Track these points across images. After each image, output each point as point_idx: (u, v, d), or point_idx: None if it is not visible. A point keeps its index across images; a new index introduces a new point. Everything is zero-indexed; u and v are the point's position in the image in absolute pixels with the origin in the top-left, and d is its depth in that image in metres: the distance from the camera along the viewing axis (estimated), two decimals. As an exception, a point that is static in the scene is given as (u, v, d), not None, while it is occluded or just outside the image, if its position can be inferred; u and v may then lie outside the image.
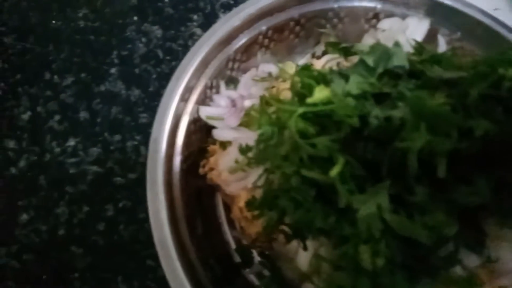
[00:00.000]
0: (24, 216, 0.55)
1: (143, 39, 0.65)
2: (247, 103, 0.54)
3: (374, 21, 0.62)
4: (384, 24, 0.60)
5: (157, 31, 0.66)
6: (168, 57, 0.64)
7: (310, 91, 0.38)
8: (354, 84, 0.37)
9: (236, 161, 0.43)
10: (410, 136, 0.30)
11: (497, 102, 0.32)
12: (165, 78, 0.62)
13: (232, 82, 0.59)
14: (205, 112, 0.53)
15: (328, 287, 0.37)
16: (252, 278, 0.51)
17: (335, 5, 0.60)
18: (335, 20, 0.62)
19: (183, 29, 0.66)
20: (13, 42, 0.65)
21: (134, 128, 0.59)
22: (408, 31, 0.57)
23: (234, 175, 0.44)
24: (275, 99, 0.53)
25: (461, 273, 0.38)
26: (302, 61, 0.65)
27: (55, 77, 0.63)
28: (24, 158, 0.58)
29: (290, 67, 0.59)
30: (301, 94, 0.39)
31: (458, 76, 0.34)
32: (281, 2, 0.58)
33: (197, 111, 0.53)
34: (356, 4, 0.60)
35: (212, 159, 0.50)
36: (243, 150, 0.42)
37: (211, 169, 0.50)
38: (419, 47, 0.52)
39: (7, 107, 0.61)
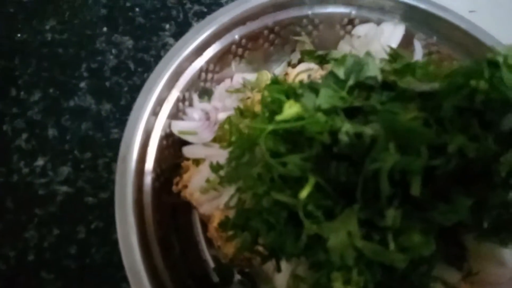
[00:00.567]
0: (-10, 242, 0.53)
1: (114, 51, 0.63)
2: (222, 115, 0.52)
3: (349, 27, 0.61)
4: (359, 30, 0.59)
5: (128, 42, 0.63)
6: (140, 69, 0.62)
7: (280, 106, 0.36)
8: (324, 98, 0.35)
9: (208, 180, 0.41)
10: (381, 156, 0.28)
11: (473, 115, 0.31)
12: (137, 91, 0.58)
13: (206, 94, 0.57)
14: (178, 126, 0.51)
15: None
16: (232, 298, 0.50)
17: (309, 12, 0.59)
18: (310, 27, 0.61)
19: (155, 39, 0.64)
20: (-24, 57, 0.63)
21: (105, 144, 0.57)
22: (383, 37, 0.56)
23: (206, 195, 0.42)
24: (250, 111, 0.52)
25: (442, 288, 0.37)
26: (278, 69, 0.64)
27: (22, 93, 0.61)
28: (-10, 179, 0.56)
29: (266, 76, 0.57)
30: (271, 110, 0.37)
31: (431, 88, 0.33)
32: (254, 10, 0.56)
33: (169, 125, 0.51)
34: (330, 10, 0.59)
35: (185, 176, 0.48)
36: (214, 168, 0.41)
37: (185, 186, 0.48)
38: (394, 54, 0.52)
39: (-29, 126, 0.59)
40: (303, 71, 0.42)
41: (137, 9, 0.66)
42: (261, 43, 0.60)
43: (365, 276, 0.29)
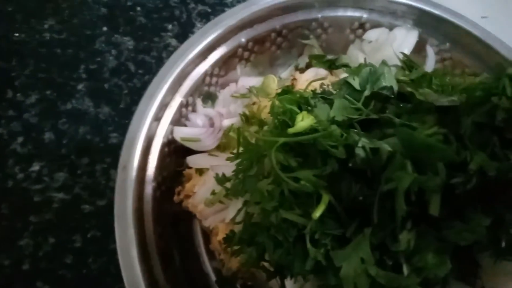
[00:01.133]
0: (-16, 250, 0.51)
1: (114, 51, 0.60)
2: (226, 122, 0.50)
3: (360, 31, 0.59)
4: (371, 35, 0.57)
5: (129, 43, 0.61)
6: (140, 71, 0.59)
7: (291, 118, 0.34)
8: (339, 110, 0.34)
9: (213, 192, 0.39)
10: (397, 175, 0.26)
11: (493, 132, 0.29)
12: (137, 94, 0.57)
13: (210, 98, 0.55)
14: (180, 133, 0.49)
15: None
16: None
17: (319, 15, 0.57)
18: (319, 31, 0.59)
19: (156, 40, 0.61)
20: (-29, 57, 0.60)
21: (103, 149, 0.54)
22: (395, 42, 0.54)
23: (211, 207, 0.40)
24: (256, 118, 0.50)
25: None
26: (285, 73, 0.62)
27: (18, 95, 0.58)
28: (-17, 184, 0.53)
29: (272, 80, 0.55)
30: (282, 121, 0.35)
31: (449, 102, 0.31)
32: (262, 13, 0.54)
33: (172, 132, 0.49)
34: (340, 13, 0.57)
35: (187, 185, 0.46)
36: (220, 180, 0.39)
37: (187, 196, 0.46)
38: (408, 61, 0.50)
39: (-36, 128, 0.56)
40: (315, 80, 0.40)
41: (138, 9, 0.64)
42: (268, 46, 0.58)
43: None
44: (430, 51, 0.57)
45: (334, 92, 0.38)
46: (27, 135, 0.56)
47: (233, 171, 0.37)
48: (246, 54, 0.56)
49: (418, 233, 0.30)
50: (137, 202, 0.43)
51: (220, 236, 0.41)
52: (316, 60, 0.56)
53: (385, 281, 0.28)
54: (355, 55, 0.57)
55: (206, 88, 0.53)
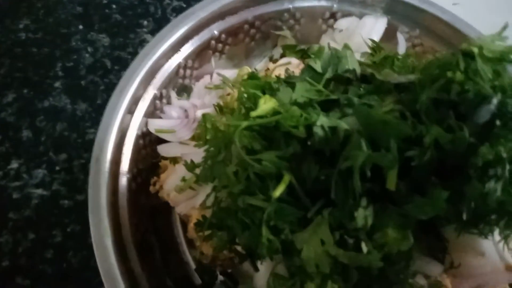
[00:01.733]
0: (-37, 248, 0.51)
1: (89, 49, 0.61)
2: (200, 113, 0.51)
3: (331, 21, 0.60)
4: (341, 24, 0.58)
5: (104, 40, 0.62)
6: (116, 67, 0.60)
7: (255, 102, 0.35)
8: (301, 92, 0.34)
9: (183, 179, 0.40)
10: (352, 154, 0.27)
11: (449, 107, 0.30)
12: (113, 89, 0.57)
13: (185, 91, 0.55)
14: (155, 125, 0.49)
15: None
16: (214, 299, 0.48)
17: (290, 6, 0.57)
18: (291, 22, 0.59)
19: (132, 36, 0.62)
20: None
21: (81, 145, 0.55)
22: (364, 30, 0.55)
23: (182, 194, 0.41)
24: (229, 108, 0.50)
25: (423, 282, 0.37)
26: (260, 65, 0.63)
27: (-6, 94, 0.59)
28: (-38, 184, 0.54)
29: (247, 72, 0.56)
30: (247, 106, 0.36)
31: (407, 79, 0.32)
32: (233, 5, 0.55)
33: (146, 124, 0.49)
34: (311, 3, 0.58)
35: (162, 176, 0.47)
36: (190, 166, 0.39)
37: (162, 186, 0.46)
38: (376, 47, 0.51)
39: None
40: (281, 65, 0.41)
41: (113, 6, 0.64)
42: (242, 38, 0.58)
43: (339, 285, 0.28)
44: (401, 38, 0.58)
45: (300, 77, 0.38)
46: (5, 134, 0.56)
47: (202, 158, 0.38)
48: (219, 46, 0.56)
49: (379, 209, 0.31)
50: (112, 193, 0.43)
51: (193, 222, 0.41)
52: (288, 50, 0.57)
53: (347, 260, 0.29)
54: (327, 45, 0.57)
55: (180, 80, 0.54)
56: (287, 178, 0.31)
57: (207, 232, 0.38)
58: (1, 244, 0.51)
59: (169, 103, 0.53)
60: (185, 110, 0.52)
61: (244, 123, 0.33)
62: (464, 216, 0.32)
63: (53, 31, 0.62)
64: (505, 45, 0.29)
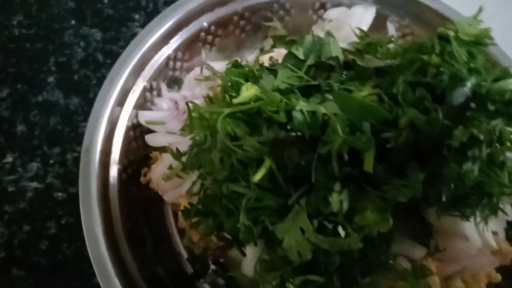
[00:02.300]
0: (-40, 241, 0.52)
1: (82, 43, 0.61)
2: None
3: (321, 11, 0.60)
4: (331, 14, 0.58)
5: (96, 34, 0.62)
6: (108, 61, 0.60)
7: (238, 90, 0.35)
8: (282, 79, 0.35)
9: (170, 167, 0.41)
10: (330, 138, 0.28)
11: (426, 90, 0.31)
12: (106, 83, 0.58)
13: (175, 83, 0.56)
14: (145, 116, 0.50)
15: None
16: (207, 288, 0.49)
17: (279, -4, 0.58)
18: (282, 13, 0.59)
19: (124, 30, 0.62)
20: None
21: (74, 138, 0.56)
22: (353, 20, 0.55)
23: (170, 182, 0.41)
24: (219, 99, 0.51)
25: (406, 266, 0.37)
26: (251, 56, 0.63)
27: (-12, 90, 0.59)
28: (-42, 178, 0.55)
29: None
30: (230, 94, 0.36)
31: (385, 64, 0.32)
32: (222, -5, 0.55)
33: (136, 116, 0.50)
34: (300, -6, 0.58)
35: (153, 166, 0.47)
36: (176, 155, 0.40)
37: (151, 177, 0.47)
38: (364, 36, 0.51)
39: None
40: (264, 52, 0.41)
41: (105, 1, 0.65)
42: (232, 29, 0.58)
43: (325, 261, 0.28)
44: (391, 28, 0.58)
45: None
46: (-1, 128, 0.57)
47: (188, 146, 0.38)
48: (209, 38, 0.57)
49: (359, 193, 0.31)
50: (102, 183, 0.44)
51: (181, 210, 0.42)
52: (278, 41, 0.57)
53: (327, 245, 0.29)
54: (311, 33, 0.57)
55: (170, 72, 0.54)
56: (267, 162, 0.31)
57: (194, 219, 0.39)
58: (-3, 236, 0.52)
59: (159, 95, 0.53)
60: (176, 102, 0.53)
61: (227, 110, 0.34)
62: (444, 198, 0.32)
63: (46, 26, 0.63)
64: (480, 28, 0.30)
